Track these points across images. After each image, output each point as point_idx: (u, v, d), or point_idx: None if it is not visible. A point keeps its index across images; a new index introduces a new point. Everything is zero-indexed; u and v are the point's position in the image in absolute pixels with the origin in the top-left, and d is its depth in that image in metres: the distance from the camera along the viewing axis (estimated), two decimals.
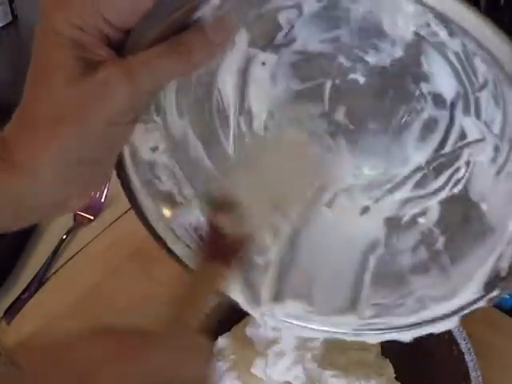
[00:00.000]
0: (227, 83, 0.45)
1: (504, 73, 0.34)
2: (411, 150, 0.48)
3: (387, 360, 0.60)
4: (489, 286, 0.44)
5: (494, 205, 0.44)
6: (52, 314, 0.68)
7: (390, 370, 0.60)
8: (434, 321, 0.46)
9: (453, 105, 0.45)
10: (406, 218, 0.49)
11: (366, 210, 0.49)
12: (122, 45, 0.36)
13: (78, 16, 0.34)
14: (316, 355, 0.56)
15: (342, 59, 0.45)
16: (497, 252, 0.43)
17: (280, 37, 0.44)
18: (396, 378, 0.60)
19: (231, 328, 0.61)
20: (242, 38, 0.43)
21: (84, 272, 0.72)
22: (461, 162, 0.46)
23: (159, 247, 0.48)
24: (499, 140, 0.42)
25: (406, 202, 0.49)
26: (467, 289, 0.44)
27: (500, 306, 0.66)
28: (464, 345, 0.57)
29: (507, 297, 0.66)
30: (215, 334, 0.60)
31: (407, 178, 0.48)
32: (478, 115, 0.43)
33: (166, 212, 0.47)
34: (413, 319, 0.47)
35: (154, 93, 0.38)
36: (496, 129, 0.42)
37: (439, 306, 0.46)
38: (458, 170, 0.46)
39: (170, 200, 0.47)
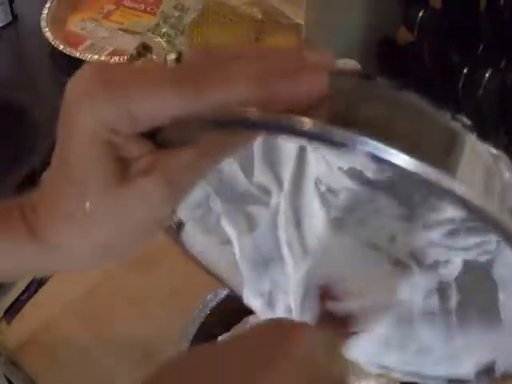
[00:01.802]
0: None
1: None
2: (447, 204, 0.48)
3: None
4: (480, 374, 0.44)
5: (510, 302, 0.43)
6: (52, 314, 0.68)
7: None
8: (422, 377, 0.47)
9: None
10: (429, 260, 0.49)
11: (393, 238, 0.50)
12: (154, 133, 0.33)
13: (111, 119, 0.31)
14: None
15: None
16: (497, 351, 0.43)
17: None
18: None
19: (231, 328, 0.62)
20: None
21: (84, 272, 0.72)
22: (493, 237, 0.45)
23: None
24: None
25: (433, 245, 0.48)
26: (460, 365, 0.44)
27: None
28: None
29: None
30: (215, 334, 0.60)
31: (439, 223, 0.48)
32: None
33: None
34: (407, 368, 0.47)
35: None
36: None
37: (432, 368, 0.46)
38: (488, 242, 0.45)
39: None
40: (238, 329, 0.61)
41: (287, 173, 0.48)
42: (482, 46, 0.72)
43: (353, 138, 0.28)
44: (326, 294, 0.47)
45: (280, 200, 0.49)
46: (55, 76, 0.92)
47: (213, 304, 0.60)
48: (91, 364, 0.64)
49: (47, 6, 1.00)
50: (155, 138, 0.33)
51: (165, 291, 0.68)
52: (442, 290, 0.48)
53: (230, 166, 0.48)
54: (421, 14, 0.72)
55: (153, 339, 0.65)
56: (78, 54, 0.93)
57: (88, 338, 0.66)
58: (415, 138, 0.29)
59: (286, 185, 0.48)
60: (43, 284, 0.71)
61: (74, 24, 1.00)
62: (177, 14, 0.97)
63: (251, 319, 0.61)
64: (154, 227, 0.35)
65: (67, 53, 0.93)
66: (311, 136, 0.29)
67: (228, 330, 0.61)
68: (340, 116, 0.30)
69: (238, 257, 0.49)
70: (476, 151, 0.31)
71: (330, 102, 0.31)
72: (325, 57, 0.32)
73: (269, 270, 0.50)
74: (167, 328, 0.64)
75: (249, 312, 0.62)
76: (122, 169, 0.32)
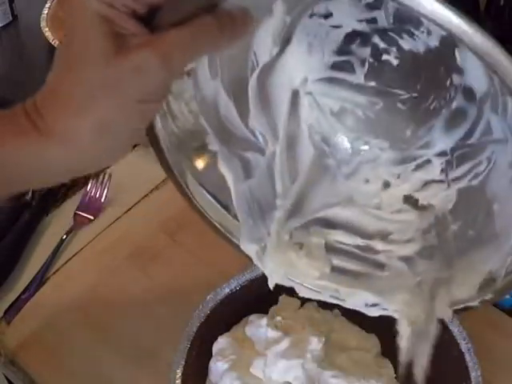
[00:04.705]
0: (263, 48, 0.45)
1: None
2: (437, 135, 0.48)
3: (387, 360, 0.60)
4: (484, 288, 0.44)
5: (504, 210, 0.44)
6: (52, 313, 0.68)
7: (389, 370, 0.60)
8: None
9: (482, 100, 0.45)
10: (423, 200, 0.49)
11: (387, 184, 0.50)
12: (149, 17, 0.36)
13: None
14: (316, 355, 0.56)
15: (376, 40, 0.45)
16: (496, 259, 0.43)
17: (317, 9, 0.44)
18: (396, 378, 0.60)
19: (231, 328, 0.61)
20: (278, 8, 0.43)
21: (84, 272, 0.72)
22: (483, 157, 0.46)
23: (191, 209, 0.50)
24: None
25: (427, 184, 0.49)
26: (463, 286, 0.45)
27: (500, 305, 0.66)
28: (464, 345, 0.57)
29: (507, 296, 0.66)
30: (215, 334, 0.60)
31: (430, 160, 0.49)
32: (504, 117, 0.42)
33: (196, 165, 0.48)
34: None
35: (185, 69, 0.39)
36: None
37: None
38: (479, 163, 0.46)
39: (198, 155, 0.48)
40: (238, 329, 0.61)
41: (281, 119, 0.48)
42: None
43: None
44: None
45: (276, 149, 0.48)
46: None
47: (213, 304, 0.60)
48: (91, 364, 0.64)
49: (47, 5, 1.00)
50: (152, 21, 0.36)
51: (165, 291, 0.68)
52: (438, 224, 0.49)
53: (227, 108, 0.48)
54: None
55: (153, 339, 0.65)
56: None
57: (88, 337, 0.66)
58: None
59: (281, 133, 0.48)
60: (43, 284, 0.71)
61: None
62: None
63: (251, 318, 0.61)
64: (149, 106, 0.37)
65: None
66: None
67: (228, 329, 0.61)
68: None
69: (234, 201, 0.49)
70: None
71: None
72: None
73: (265, 218, 0.50)
74: (167, 327, 0.64)
75: (249, 312, 0.62)
76: (120, 43, 0.35)
